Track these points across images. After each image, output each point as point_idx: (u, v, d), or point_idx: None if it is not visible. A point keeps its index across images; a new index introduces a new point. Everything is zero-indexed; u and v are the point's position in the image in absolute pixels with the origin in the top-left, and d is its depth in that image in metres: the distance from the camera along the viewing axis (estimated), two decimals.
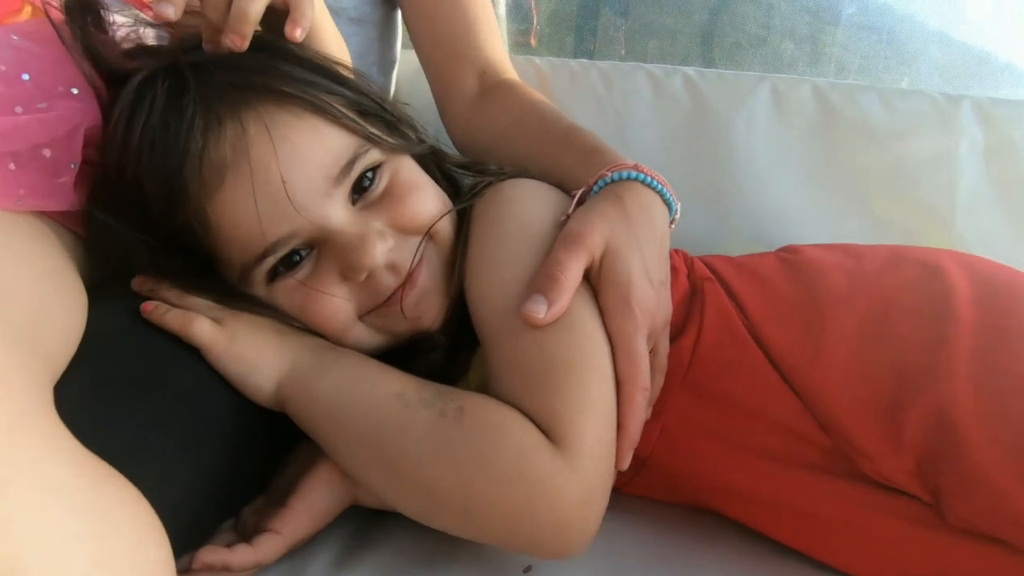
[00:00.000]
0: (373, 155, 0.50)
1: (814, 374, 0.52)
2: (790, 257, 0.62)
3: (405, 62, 0.91)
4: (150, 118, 0.46)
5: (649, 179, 0.54)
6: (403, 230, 0.50)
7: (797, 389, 0.53)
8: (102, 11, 0.51)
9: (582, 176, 0.56)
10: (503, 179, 0.56)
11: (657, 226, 0.53)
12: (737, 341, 0.55)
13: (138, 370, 0.46)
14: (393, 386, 0.46)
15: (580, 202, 0.54)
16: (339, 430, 0.47)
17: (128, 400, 0.44)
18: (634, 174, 0.54)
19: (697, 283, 0.60)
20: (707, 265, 0.63)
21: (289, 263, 0.49)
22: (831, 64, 1.01)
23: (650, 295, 0.49)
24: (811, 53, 1.04)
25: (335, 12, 0.67)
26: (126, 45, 0.53)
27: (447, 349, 0.54)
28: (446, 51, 0.72)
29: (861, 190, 0.85)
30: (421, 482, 0.44)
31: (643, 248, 0.50)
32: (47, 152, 0.47)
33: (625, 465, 0.46)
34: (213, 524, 0.50)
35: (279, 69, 0.49)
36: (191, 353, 0.48)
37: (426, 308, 0.51)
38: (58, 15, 0.51)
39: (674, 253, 0.62)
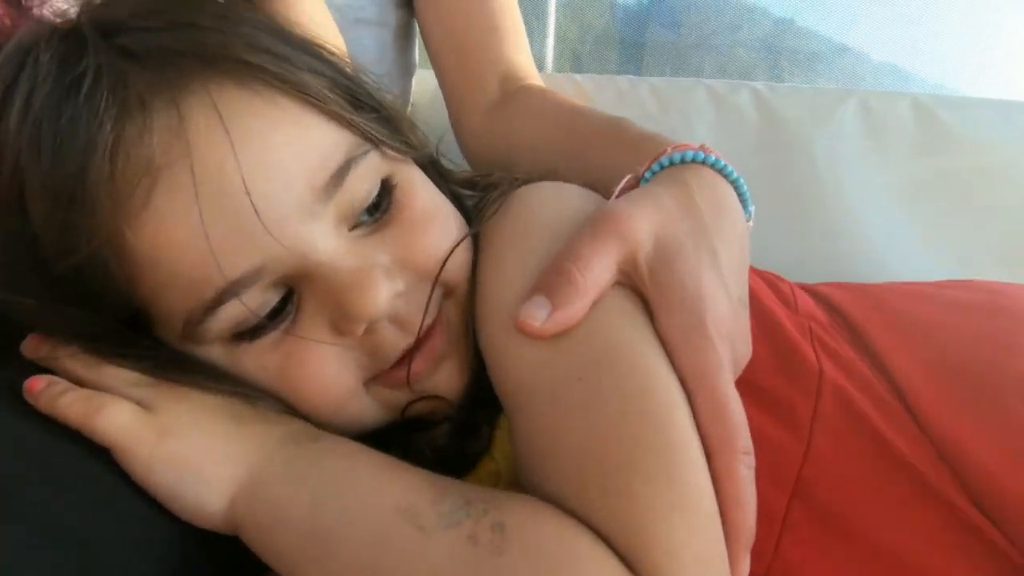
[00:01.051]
0: (373, 160, 0.37)
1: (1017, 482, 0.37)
2: (974, 298, 0.46)
3: (421, 81, 0.82)
4: (31, 100, 0.33)
5: (721, 163, 0.40)
6: (416, 271, 0.37)
7: (986, 508, 0.37)
8: None
9: (629, 167, 0.42)
10: (517, 187, 0.42)
11: (737, 225, 0.39)
12: (873, 429, 0.39)
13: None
14: (399, 497, 0.32)
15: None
16: (318, 567, 0.32)
17: None
18: (702, 155, 0.39)
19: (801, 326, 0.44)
20: (817, 297, 0.47)
21: (267, 313, 0.35)
22: (927, 73, 0.87)
23: (729, 316, 0.35)
24: (899, 64, 0.90)
25: (354, 19, 0.58)
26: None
27: (461, 421, 0.40)
28: (464, 56, 0.63)
29: (982, 220, 0.71)
30: None
31: (717, 251, 0.36)
32: None
33: (744, 574, 0.32)
34: None
35: (239, 32, 0.35)
36: (96, 456, 0.33)
37: (442, 380, 0.38)
38: None
39: (756, 273, 0.47)
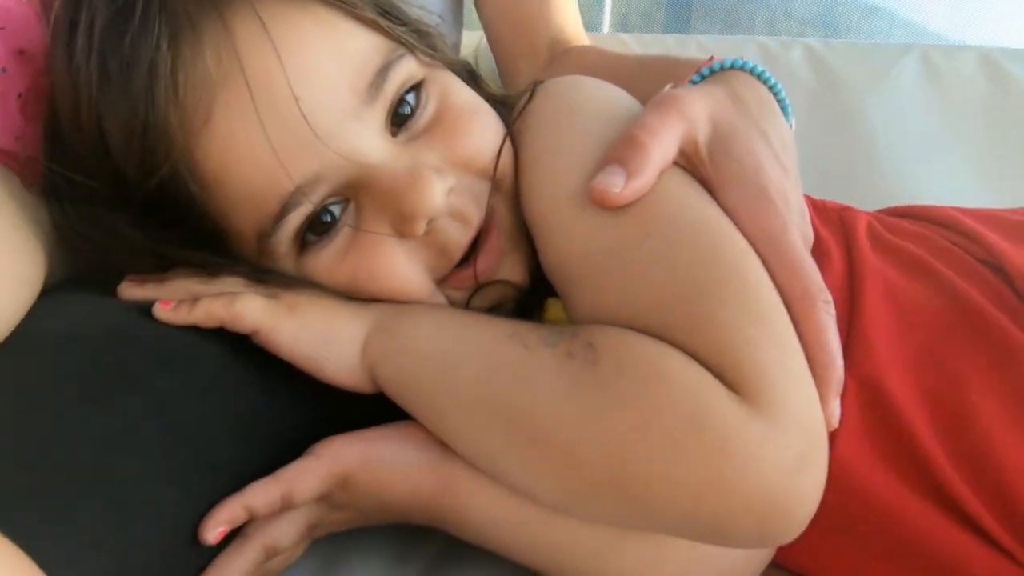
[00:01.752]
0: (410, 65, 0.37)
1: None
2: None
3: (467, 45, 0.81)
4: (92, 29, 0.33)
5: (760, 69, 0.41)
6: (464, 167, 0.38)
7: None
8: None
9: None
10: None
11: (778, 116, 0.40)
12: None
13: (109, 367, 0.34)
14: (505, 327, 0.35)
15: None
16: (444, 385, 0.35)
17: (91, 402, 0.32)
18: (740, 62, 0.41)
19: (828, 213, 0.45)
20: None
21: (323, 225, 0.37)
22: (990, 32, 0.82)
23: (790, 188, 0.36)
24: (963, 20, 0.85)
25: None
26: None
27: (524, 305, 0.41)
28: (517, 21, 0.64)
29: None
30: (555, 442, 0.32)
31: (767, 133, 0.38)
32: None
33: (836, 418, 0.32)
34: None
35: None
36: (191, 351, 0.36)
37: (506, 274, 0.40)
38: None
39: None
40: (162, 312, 0.36)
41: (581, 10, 0.68)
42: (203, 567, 0.35)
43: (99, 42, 0.33)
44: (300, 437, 0.37)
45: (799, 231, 0.35)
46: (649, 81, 0.46)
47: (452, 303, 0.40)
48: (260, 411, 0.37)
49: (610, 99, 0.41)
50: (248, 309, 0.36)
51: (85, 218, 0.37)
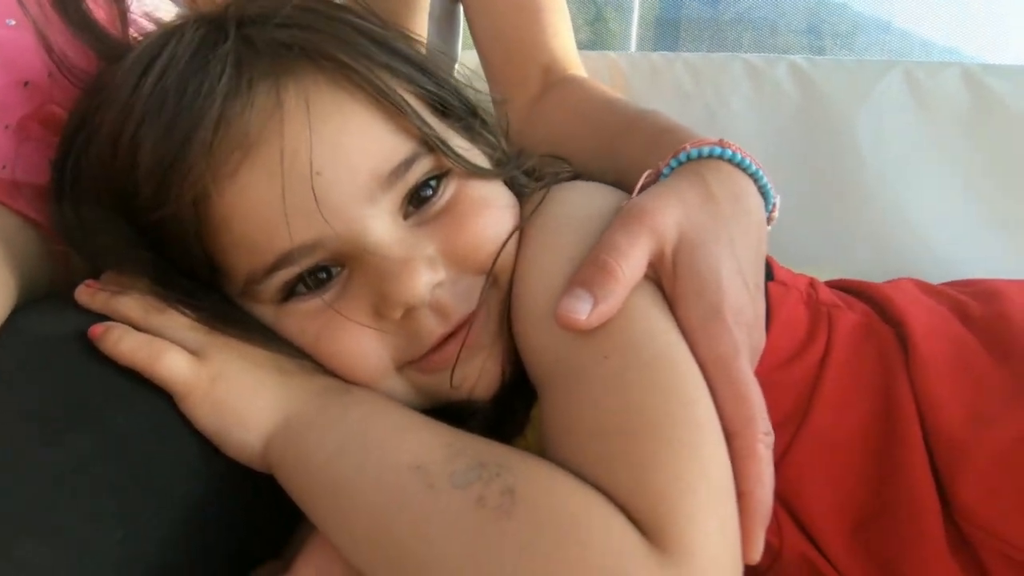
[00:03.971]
0: (436, 160, 0.39)
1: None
2: (970, 299, 0.45)
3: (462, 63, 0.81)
4: (168, 69, 0.36)
5: (739, 157, 0.41)
6: (460, 263, 0.39)
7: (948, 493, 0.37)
8: None
9: (651, 162, 0.43)
10: (556, 183, 0.44)
11: (752, 215, 0.40)
12: (887, 387, 0.40)
13: (58, 406, 0.34)
14: (414, 455, 0.33)
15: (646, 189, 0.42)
16: (337, 514, 0.35)
17: (36, 444, 0.32)
18: (719, 150, 0.41)
19: (819, 307, 0.45)
20: (845, 291, 0.46)
21: (313, 280, 0.38)
22: (982, 42, 0.83)
23: (746, 303, 0.37)
24: (944, 40, 0.86)
25: None
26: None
27: (496, 409, 0.41)
28: (509, 47, 0.64)
29: None
30: None
31: (735, 240, 0.38)
32: None
33: (757, 554, 0.32)
34: None
35: (343, 36, 0.39)
36: (149, 390, 0.37)
37: (479, 374, 0.40)
38: None
39: (783, 269, 0.48)
40: (92, 335, 0.37)
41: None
42: None
43: (168, 80, 0.36)
44: (255, 473, 0.37)
45: (749, 349, 0.36)
46: (632, 143, 0.48)
47: (423, 387, 0.40)
48: (214, 447, 0.37)
49: (603, 213, 0.40)
50: (168, 368, 0.36)
51: (80, 215, 0.39)
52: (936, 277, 0.54)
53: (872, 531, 0.39)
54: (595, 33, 1.06)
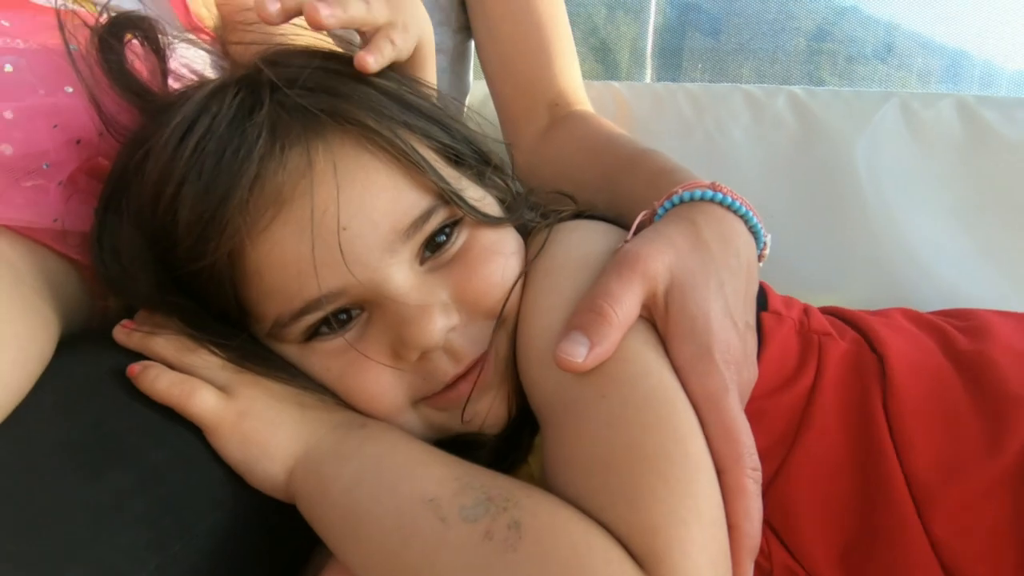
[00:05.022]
0: (451, 211, 0.42)
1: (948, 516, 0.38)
2: (960, 332, 0.46)
3: (473, 91, 0.85)
4: (208, 133, 0.39)
5: (729, 200, 0.43)
6: (471, 307, 0.42)
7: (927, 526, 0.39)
8: (159, 35, 0.45)
9: (648, 201, 0.46)
10: (560, 222, 0.47)
11: (742, 256, 0.42)
12: (867, 419, 0.41)
13: (94, 439, 0.37)
14: (426, 488, 0.36)
15: (642, 229, 0.44)
16: (353, 541, 0.37)
17: (74, 477, 0.35)
18: (710, 193, 0.43)
19: (810, 336, 0.46)
20: (838, 318, 0.47)
21: (336, 321, 0.41)
22: (974, 78, 0.84)
23: (735, 342, 0.39)
24: (947, 67, 0.88)
25: None
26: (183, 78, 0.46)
27: (503, 440, 0.43)
28: (519, 82, 0.67)
29: None
30: None
31: (724, 282, 0.40)
32: (6, 149, 0.40)
33: None
34: None
35: (365, 99, 0.42)
36: (180, 425, 0.39)
37: (489, 410, 0.43)
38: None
39: (779, 297, 0.49)
40: (129, 374, 0.40)
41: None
42: None
43: (208, 142, 0.39)
44: (279, 503, 0.40)
45: (738, 386, 0.38)
46: (632, 181, 0.51)
47: (435, 421, 0.43)
48: (238, 476, 0.40)
49: (600, 255, 0.42)
50: (200, 405, 0.39)
51: (119, 260, 0.42)
52: (935, 305, 0.55)
53: (860, 556, 0.40)
54: (603, 62, 1.09)
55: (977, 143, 0.72)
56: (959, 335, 0.45)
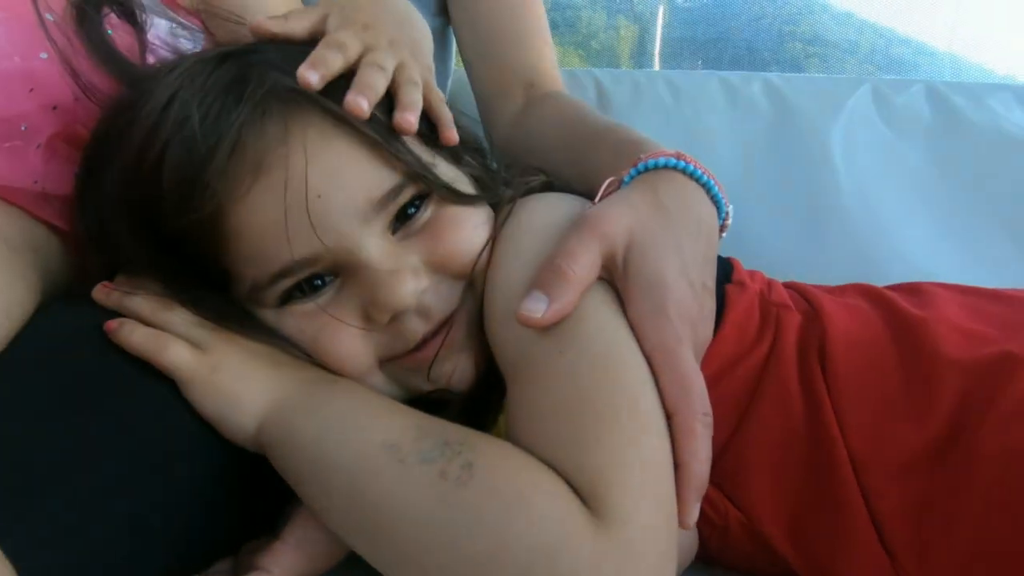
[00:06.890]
0: (420, 186, 0.44)
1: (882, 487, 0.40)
2: (908, 300, 0.48)
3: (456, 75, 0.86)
4: (191, 100, 0.40)
5: (691, 167, 0.44)
6: (440, 269, 0.43)
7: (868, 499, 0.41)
8: (136, 9, 0.46)
9: (615, 170, 0.47)
10: (528, 193, 0.48)
11: (703, 222, 0.43)
12: (812, 391, 0.43)
13: (73, 388, 0.38)
14: (387, 434, 0.38)
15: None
16: (320, 486, 0.39)
17: (55, 421, 0.36)
18: (673, 161, 0.44)
19: (769, 308, 0.48)
20: (796, 292, 0.49)
21: (310, 287, 0.42)
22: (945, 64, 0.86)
23: (690, 300, 0.40)
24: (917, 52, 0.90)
25: None
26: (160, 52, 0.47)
27: (470, 400, 0.44)
28: (495, 64, 0.68)
29: (995, 209, 0.70)
30: (416, 560, 0.35)
31: (682, 244, 0.41)
32: None
33: (692, 520, 0.35)
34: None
35: (346, 82, 0.42)
36: (156, 378, 0.41)
37: (455, 369, 0.44)
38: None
39: (745, 271, 0.51)
40: (107, 330, 0.41)
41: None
42: (160, 568, 0.38)
43: (194, 108, 0.40)
44: (250, 454, 0.41)
45: (692, 342, 0.39)
46: (599, 154, 0.52)
47: (403, 380, 0.44)
48: (211, 428, 0.41)
49: (563, 220, 0.43)
50: (173, 357, 0.41)
51: (102, 222, 0.43)
52: (902, 280, 0.57)
53: (807, 522, 0.42)
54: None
55: (946, 127, 0.74)
56: (907, 307, 0.47)
